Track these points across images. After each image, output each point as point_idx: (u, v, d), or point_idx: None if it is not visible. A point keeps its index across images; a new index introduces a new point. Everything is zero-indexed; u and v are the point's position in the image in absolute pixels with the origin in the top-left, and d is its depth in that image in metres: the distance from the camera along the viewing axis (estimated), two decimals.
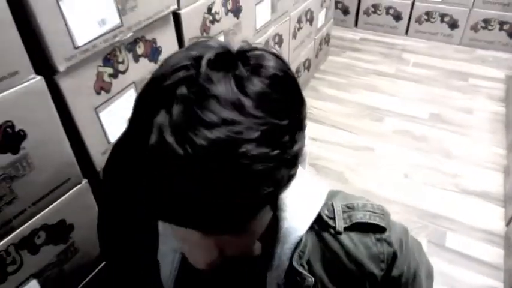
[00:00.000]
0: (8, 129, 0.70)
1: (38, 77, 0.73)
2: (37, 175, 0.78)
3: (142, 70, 0.98)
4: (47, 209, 0.83)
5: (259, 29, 1.53)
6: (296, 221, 0.52)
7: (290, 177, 0.40)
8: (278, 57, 0.40)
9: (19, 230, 0.78)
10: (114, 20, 0.84)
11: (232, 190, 0.34)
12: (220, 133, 0.33)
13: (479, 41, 2.79)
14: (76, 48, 0.77)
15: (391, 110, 2.16)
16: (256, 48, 0.40)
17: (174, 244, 0.54)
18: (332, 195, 0.56)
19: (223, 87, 0.35)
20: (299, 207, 0.53)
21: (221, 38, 1.26)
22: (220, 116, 0.33)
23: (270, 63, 0.38)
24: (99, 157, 0.92)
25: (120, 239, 0.65)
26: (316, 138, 1.92)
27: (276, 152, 0.35)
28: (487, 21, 2.70)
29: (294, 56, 1.99)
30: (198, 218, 0.36)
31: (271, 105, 0.36)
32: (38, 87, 0.73)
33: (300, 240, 0.52)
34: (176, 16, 1.05)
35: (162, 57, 1.03)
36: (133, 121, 0.38)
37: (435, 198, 1.63)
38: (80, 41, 0.77)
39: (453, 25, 2.81)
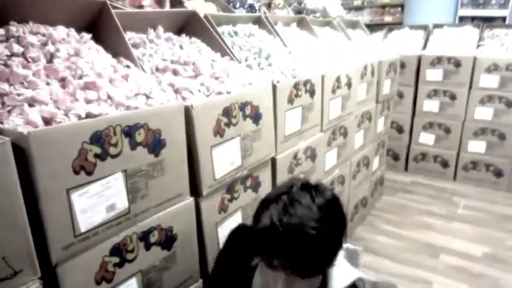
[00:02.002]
0: (169, 232, 1.02)
1: (191, 198, 1.07)
2: (177, 269, 1.06)
3: (248, 198, 1.31)
4: None
5: (327, 171, 1.88)
6: (336, 285, 0.87)
7: (333, 253, 0.78)
8: (333, 191, 0.84)
9: None
10: (238, 161, 1.21)
11: (302, 251, 0.73)
12: (296, 219, 0.73)
13: None
14: (215, 179, 1.13)
15: (445, 247, 2.31)
16: (322, 184, 0.84)
17: None
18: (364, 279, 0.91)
19: (304, 198, 0.77)
20: (339, 278, 0.88)
21: (301, 176, 1.60)
22: (299, 211, 0.74)
23: (329, 193, 0.82)
24: (212, 262, 1.20)
25: None
26: (375, 269, 2.08)
27: (323, 233, 0.74)
28: None
29: (354, 193, 2.30)
30: (286, 262, 0.74)
31: (326, 211, 0.77)
32: (190, 205, 1.07)
33: None
34: (273, 160, 1.42)
35: (261, 188, 1.37)
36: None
37: None
38: (218, 174, 1.13)
39: (498, 174, 3.05)
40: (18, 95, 0.78)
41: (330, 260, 0.79)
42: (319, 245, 0.74)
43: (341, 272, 0.88)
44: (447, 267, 2.13)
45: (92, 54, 0.94)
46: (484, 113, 3.04)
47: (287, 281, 0.76)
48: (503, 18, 4.74)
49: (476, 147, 3.11)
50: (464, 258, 2.20)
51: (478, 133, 3.08)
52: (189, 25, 1.36)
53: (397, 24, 4.32)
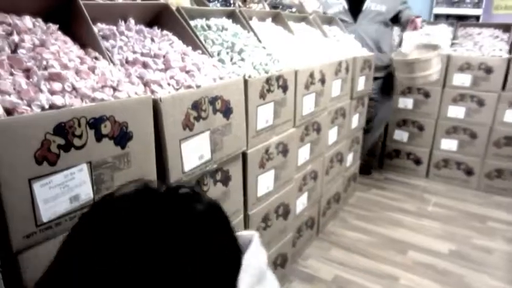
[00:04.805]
0: None
1: None
2: None
3: (218, 192, 1.33)
4: None
5: (300, 166, 1.91)
6: None
7: None
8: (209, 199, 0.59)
9: None
10: (207, 155, 1.22)
11: None
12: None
13: (495, 188, 3.08)
14: (183, 172, 1.14)
15: (414, 243, 2.37)
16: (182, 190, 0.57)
17: None
18: None
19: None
20: None
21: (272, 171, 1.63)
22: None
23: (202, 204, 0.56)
24: None
25: None
26: (344, 264, 2.14)
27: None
28: (499, 171, 3.03)
29: (326, 189, 2.34)
30: None
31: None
32: None
33: None
34: (244, 154, 1.44)
35: (231, 182, 1.39)
36: None
37: None
38: (187, 167, 1.15)
39: (469, 172, 3.15)
40: None
41: None
42: None
43: None
44: (414, 263, 2.19)
45: (58, 45, 0.94)
46: (456, 112, 3.12)
47: None
48: (477, 17, 4.87)
49: (448, 145, 3.19)
50: (431, 255, 2.26)
51: (450, 131, 3.17)
52: (161, 18, 1.36)
53: None
